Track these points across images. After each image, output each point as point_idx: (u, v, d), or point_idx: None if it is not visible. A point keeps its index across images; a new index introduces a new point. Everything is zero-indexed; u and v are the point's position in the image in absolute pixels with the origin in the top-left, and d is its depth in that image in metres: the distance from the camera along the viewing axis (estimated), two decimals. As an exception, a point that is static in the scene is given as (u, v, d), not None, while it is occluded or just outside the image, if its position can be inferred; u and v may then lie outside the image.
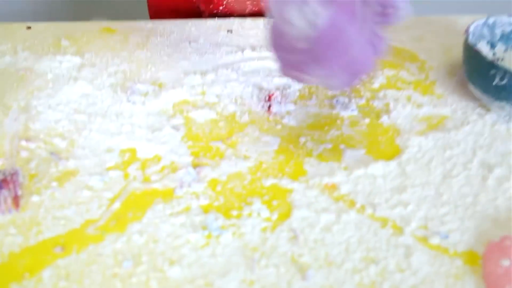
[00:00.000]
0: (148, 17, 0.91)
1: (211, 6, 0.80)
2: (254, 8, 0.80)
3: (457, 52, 0.68)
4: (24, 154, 0.48)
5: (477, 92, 0.57)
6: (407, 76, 0.63)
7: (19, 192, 0.43)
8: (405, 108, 0.57)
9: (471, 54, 0.56)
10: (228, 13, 0.81)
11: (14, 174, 0.43)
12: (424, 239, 0.41)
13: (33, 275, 0.37)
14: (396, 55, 0.68)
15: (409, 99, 0.58)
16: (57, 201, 0.43)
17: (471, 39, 0.58)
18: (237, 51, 0.66)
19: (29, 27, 0.72)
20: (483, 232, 0.42)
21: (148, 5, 0.91)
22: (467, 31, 0.59)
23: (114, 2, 1.58)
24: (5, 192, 0.42)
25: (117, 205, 0.43)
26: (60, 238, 0.40)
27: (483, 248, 0.41)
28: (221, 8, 0.80)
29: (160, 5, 0.88)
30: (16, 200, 0.42)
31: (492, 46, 0.64)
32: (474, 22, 0.60)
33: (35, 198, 0.43)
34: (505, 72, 0.51)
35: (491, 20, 0.62)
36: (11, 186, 0.42)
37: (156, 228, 0.41)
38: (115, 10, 1.52)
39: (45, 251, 0.39)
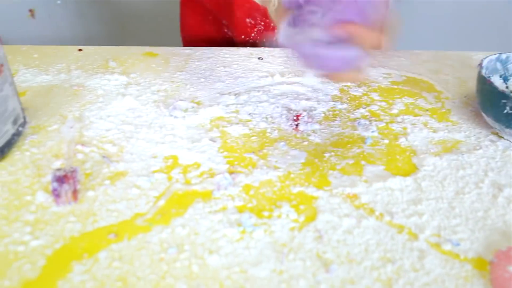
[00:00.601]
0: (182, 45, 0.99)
1: (242, 36, 0.88)
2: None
3: (472, 85, 0.74)
4: (80, 156, 0.54)
5: (489, 120, 0.62)
6: (424, 104, 0.68)
7: (78, 187, 0.49)
8: (421, 131, 0.62)
9: (484, 85, 0.61)
10: (257, 41, 0.88)
11: (74, 171, 0.49)
12: (437, 245, 0.45)
13: (91, 255, 0.42)
14: (414, 85, 0.73)
15: (425, 124, 0.63)
16: (109, 196, 0.49)
17: (484, 71, 0.64)
18: (267, 76, 0.73)
19: (80, 50, 0.80)
20: (492, 242, 0.46)
21: (182, 35, 0.98)
22: (480, 64, 0.64)
23: (151, 32, 1.70)
24: (66, 186, 0.48)
25: (162, 202, 0.48)
26: (113, 227, 0.45)
27: (491, 255, 0.45)
28: (252, 35, 0.86)
29: (193, 36, 0.95)
30: (75, 193, 0.48)
31: (505, 80, 0.69)
32: (487, 57, 0.66)
33: (90, 193, 0.49)
34: (514, 101, 0.56)
35: (504, 56, 0.68)
36: (71, 181, 0.48)
37: (196, 223, 0.46)
38: (153, 38, 1.63)
39: (100, 237, 0.44)
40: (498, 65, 0.68)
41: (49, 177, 0.50)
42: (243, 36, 0.87)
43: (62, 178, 0.48)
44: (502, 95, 0.58)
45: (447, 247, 0.45)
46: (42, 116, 0.62)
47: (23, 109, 0.59)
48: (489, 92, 0.60)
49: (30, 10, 1.74)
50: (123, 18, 1.75)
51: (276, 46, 0.88)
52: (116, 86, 0.69)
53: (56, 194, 0.47)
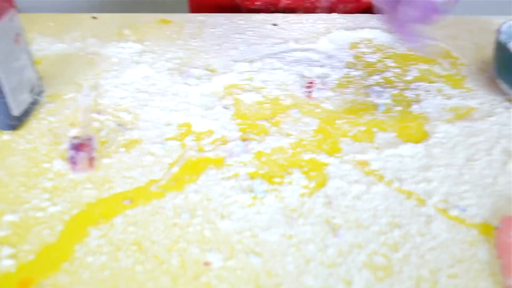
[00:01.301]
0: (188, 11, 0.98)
1: (247, 2, 0.86)
2: (289, 4, 0.86)
3: (489, 51, 0.72)
4: (95, 124, 0.56)
5: (505, 87, 0.61)
6: (440, 70, 0.68)
7: (94, 154, 0.50)
8: (435, 98, 0.61)
9: (501, 51, 0.60)
10: (263, 8, 0.87)
11: (90, 139, 0.51)
12: (444, 211, 0.46)
13: (107, 221, 0.44)
14: (430, 51, 0.72)
15: (439, 91, 0.63)
16: (124, 163, 0.50)
17: (502, 37, 0.63)
18: (282, 43, 0.72)
19: (94, 17, 0.80)
20: (499, 208, 0.47)
21: (189, 2, 0.97)
22: (499, 30, 0.63)
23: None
24: (82, 154, 0.49)
25: (175, 169, 0.50)
26: (128, 193, 0.47)
27: (497, 221, 0.45)
28: (258, 3, 0.85)
29: (200, 2, 0.94)
30: (91, 161, 0.50)
31: (524, 46, 0.67)
32: (506, 22, 0.64)
33: (106, 161, 0.51)
34: (531, 67, 0.55)
35: (523, 21, 0.66)
36: (87, 149, 0.50)
37: (209, 189, 0.47)
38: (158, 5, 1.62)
39: (116, 203, 0.46)
40: (517, 31, 0.66)
41: (66, 145, 0.52)
42: (248, 2, 0.85)
43: (78, 146, 0.49)
44: (519, 60, 0.57)
45: (454, 212, 0.46)
46: (58, 84, 0.63)
47: (39, 78, 0.60)
48: (506, 58, 0.59)
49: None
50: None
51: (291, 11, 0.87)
52: (130, 54, 0.69)
53: (73, 162, 0.49)
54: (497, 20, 0.82)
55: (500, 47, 0.60)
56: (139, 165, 0.50)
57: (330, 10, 0.87)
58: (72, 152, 0.49)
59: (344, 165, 0.51)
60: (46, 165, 0.50)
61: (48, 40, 0.74)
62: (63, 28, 0.77)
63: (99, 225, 0.44)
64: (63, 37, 0.74)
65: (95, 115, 0.57)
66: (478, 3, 1.53)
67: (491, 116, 0.58)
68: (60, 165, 0.50)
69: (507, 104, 0.61)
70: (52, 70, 0.66)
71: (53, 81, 0.63)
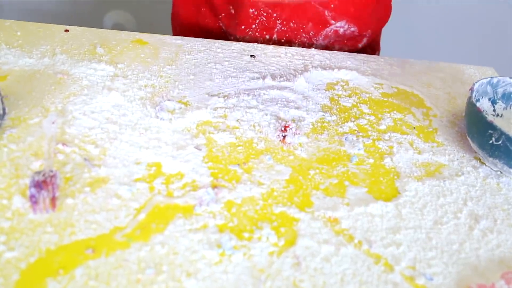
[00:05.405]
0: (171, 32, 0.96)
1: (242, 27, 0.85)
2: (285, 34, 0.86)
3: (460, 103, 0.74)
4: (60, 157, 0.53)
5: (474, 145, 0.62)
6: (413, 121, 0.68)
7: (57, 194, 0.48)
8: (407, 152, 0.62)
9: (473, 112, 0.61)
10: (254, 38, 0.86)
11: (53, 176, 0.48)
12: (411, 279, 0.46)
13: (66, 272, 0.42)
14: (404, 99, 0.73)
15: (411, 144, 0.64)
16: (89, 205, 0.48)
17: (474, 96, 0.64)
18: (259, 78, 0.71)
19: (67, 30, 0.77)
20: (464, 278, 0.47)
21: (173, 25, 0.95)
22: (471, 89, 0.64)
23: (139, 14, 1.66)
24: (44, 193, 0.47)
25: (142, 215, 0.48)
26: (91, 241, 0.45)
27: (462, 293, 0.46)
28: (249, 32, 0.85)
29: (184, 27, 0.92)
30: (53, 201, 0.47)
31: (493, 103, 0.69)
32: (479, 81, 0.66)
33: (69, 201, 0.48)
34: (501, 133, 0.57)
35: (494, 80, 0.68)
36: (50, 187, 0.47)
37: (176, 242, 0.46)
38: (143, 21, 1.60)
39: (77, 251, 0.44)
40: (489, 88, 0.68)
41: (27, 180, 0.49)
42: (243, 27, 0.85)
43: (40, 184, 0.47)
44: (490, 125, 0.58)
45: (421, 281, 0.46)
46: (23, 106, 0.60)
47: (2, 100, 0.57)
48: (477, 119, 0.60)
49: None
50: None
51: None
52: (102, 78, 0.67)
53: (33, 201, 0.46)
54: (469, 70, 0.84)
55: (472, 107, 0.61)
56: (104, 208, 0.48)
57: (326, 48, 0.88)
58: (33, 190, 0.47)
59: (315, 222, 0.50)
60: (4, 202, 0.47)
61: (15, 52, 0.70)
62: (32, 40, 0.73)
63: (58, 277, 0.41)
64: (32, 51, 0.71)
65: (60, 146, 0.54)
66: (450, 51, 1.58)
67: (459, 175, 0.59)
68: (19, 203, 0.47)
69: (475, 162, 0.62)
70: (17, 89, 0.63)
71: (18, 102, 0.60)
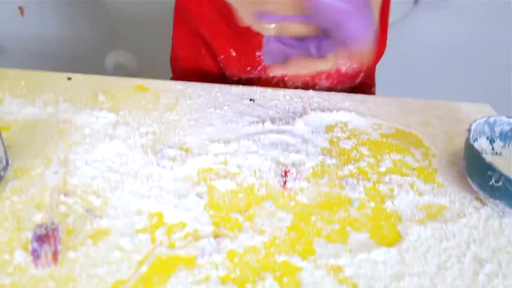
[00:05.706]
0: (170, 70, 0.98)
1: (248, 68, 0.86)
2: (280, 79, 0.87)
3: (458, 142, 0.74)
4: (62, 208, 0.53)
5: (474, 186, 0.62)
6: (412, 162, 0.69)
7: (59, 247, 0.48)
8: (408, 194, 0.62)
9: (471, 153, 0.61)
10: (257, 76, 0.87)
11: (55, 229, 0.48)
12: (416, 328, 0.46)
13: (68, 330, 0.41)
14: (403, 139, 0.74)
15: (412, 186, 0.64)
16: (91, 259, 0.48)
17: (472, 136, 0.64)
18: (258, 122, 0.72)
19: (69, 78, 0.78)
20: (470, 325, 0.47)
21: (172, 67, 0.97)
22: (469, 129, 0.65)
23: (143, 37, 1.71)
24: (46, 247, 0.47)
25: (144, 268, 0.48)
26: (93, 296, 0.45)
27: None
28: (251, 75, 0.86)
29: (184, 68, 0.93)
30: (55, 255, 0.47)
31: (491, 141, 0.70)
32: (476, 121, 0.66)
33: (71, 254, 0.48)
34: (500, 175, 0.57)
35: (491, 119, 0.68)
36: (52, 241, 0.47)
37: (178, 295, 0.46)
38: (143, 43, 1.65)
39: (79, 308, 0.43)
40: (486, 128, 0.69)
41: (28, 233, 0.49)
42: (248, 68, 0.86)
43: (42, 238, 0.47)
44: (489, 167, 0.58)
45: (427, 331, 0.46)
46: (26, 156, 0.60)
47: (6, 151, 0.57)
48: (476, 161, 0.61)
49: (20, 8, 1.72)
50: (114, 21, 1.74)
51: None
52: (104, 125, 0.68)
53: (35, 256, 0.46)
54: (466, 107, 0.85)
55: (470, 148, 0.62)
56: (106, 261, 0.48)
57: (329, 89, 0.89)
58: (35, 244, 0.47)
59: (318, 270, 0.50)
60: (6, 257, 0.47)
61: (18, 102, 0.71)
62: (35, 89, 0.75)
63: (58, 335, 0.41)
64: (35, 100, 0.72)
65: (62, 198, 0.54)
66: (445, 88, 1.60)
67: (461, 217, 0.59)
68: (21, 257, 0.47)
69: (476, 203, 0.62)
70: (20, 139, 0.63)
71: (21, 152, 0.61)
